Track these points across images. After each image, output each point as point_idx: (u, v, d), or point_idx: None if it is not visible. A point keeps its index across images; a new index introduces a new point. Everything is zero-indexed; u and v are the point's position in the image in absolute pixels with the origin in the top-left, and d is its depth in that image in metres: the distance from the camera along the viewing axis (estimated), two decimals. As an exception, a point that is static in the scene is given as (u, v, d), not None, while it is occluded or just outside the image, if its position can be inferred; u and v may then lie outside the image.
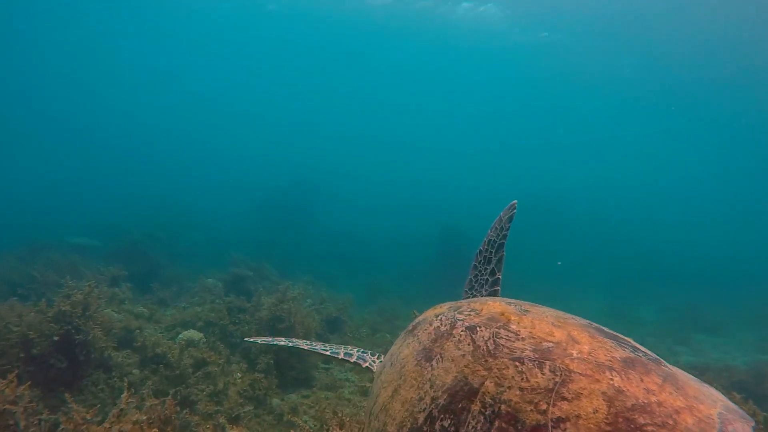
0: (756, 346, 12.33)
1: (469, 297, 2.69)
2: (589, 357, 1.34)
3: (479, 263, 2.70)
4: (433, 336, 1.72)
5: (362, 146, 60.24)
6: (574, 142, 50.41)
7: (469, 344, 1.55)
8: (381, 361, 2.44)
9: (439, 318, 1.82)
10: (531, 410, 1.25)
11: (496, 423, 1.29)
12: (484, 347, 1.50)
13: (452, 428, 1.38)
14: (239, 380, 6.09)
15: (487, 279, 2.65)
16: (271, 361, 6.95)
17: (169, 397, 4.34)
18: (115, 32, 36.90)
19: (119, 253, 13.21)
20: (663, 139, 42.86)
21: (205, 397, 5.61)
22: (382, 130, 57.47)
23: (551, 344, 1.41)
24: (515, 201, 2.69)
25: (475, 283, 2.70)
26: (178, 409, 4.28)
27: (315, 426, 5.78)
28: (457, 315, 1.75)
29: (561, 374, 1.29)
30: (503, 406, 1.30)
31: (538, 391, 1.28)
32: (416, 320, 2.03)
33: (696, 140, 41.32)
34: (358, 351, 2.59)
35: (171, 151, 58.17)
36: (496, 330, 1.54)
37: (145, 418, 3.83)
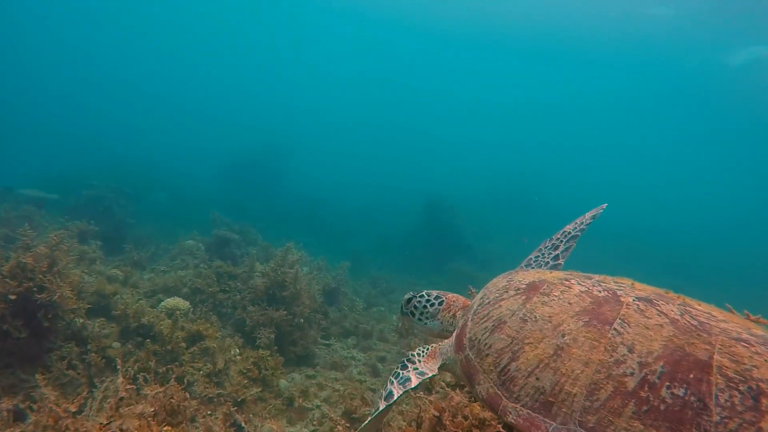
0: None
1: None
2: None
3: (545, 247, 2.77)
4: (590, 300, 1.71)
5: (337, 114, 58.19)
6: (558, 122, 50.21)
7: (659, 315, 1.56)
8: (421, 350, 2.29)
9: (578, 283, 1.84)
10: None
11: (763, 400, 1.27)
12: (685, 321, 1.51)
13: (691, 397, 1.34)
14: (238, 358, 5.24)
15: (547, 262, 2.71)
16: (272, 336, 6.13)
17: (173, 382, 3.47)
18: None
19: (80, 208, 11.77)
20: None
21: (203, 377, 4.75)
22: (358, 100, 55.71)
23: (759, 332, 1.48)
24: (605, 204, 2.81)
25: (534, 263, 2.74)
26: (188, 395, 3.41)
27: (330, 411, 5.05)
28: (608, 285, 1.79)
29: None
30: (762, 385, 1.30)
31: None
32: (529, 280, 1.99)
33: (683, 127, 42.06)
34: (398, 377, 2.15)
35: (133, 105, 54.28)
36: (684, 308, 1.58)
37: (151, 410, 2.95)
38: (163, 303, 6.29)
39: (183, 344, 4.85)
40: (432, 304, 2.54)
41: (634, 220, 34.34)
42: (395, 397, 2.04)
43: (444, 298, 2.55)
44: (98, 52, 49.17)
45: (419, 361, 2.24)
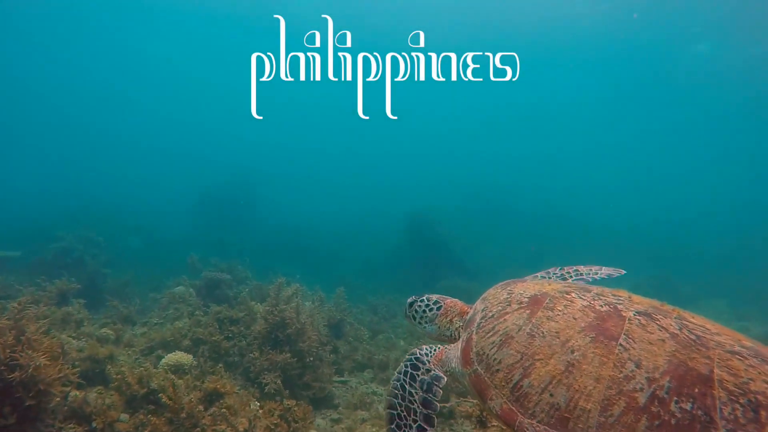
0: (733, 314, 12.76)
1: None
2: None
3: (554, 273, 2.83)
4: (594, 315, 1.75)
5: (304, 141, 57.44)
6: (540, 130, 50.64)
7: (660, 330, 1.62)
8: (428, 349, 2.34)
9: (579, 297, 1.88)
10: None
11: (762, 413, 1.34)
12: (684, 336, 1.59)
13: (699, 411, 1.39)
14: (260, 412, 4.75)
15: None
16: (278, 381, 5.67)
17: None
18: (29, 22, 32.22)
19: (47, 263, 10.92)
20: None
21: (228, 441, 4.25)
22: (325, 125, 55.27)
23: (748, 343, 1.57)
24: (624, 271, 2.82)
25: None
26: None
27: None
28: (608, 299, 1.83)
29: None
30: (760, 398, 1.36)
31: None
32: (531, 293, 2.02)
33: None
34: (425, 374, 2.21)
35: (89, 147, 52.02)
36: (681, 322, 1.66)
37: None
38: (164, 360, 5.73)
39: (200, 406, 4.34)
40: (431, 309, 2.62)
41: (617, 215, 35.24)
42: (431, 408, 2.11)
43: (442, 303, 2.62)
44: (46, 89, 46.85)
45: (428, 362, 2.27)
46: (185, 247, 18.30)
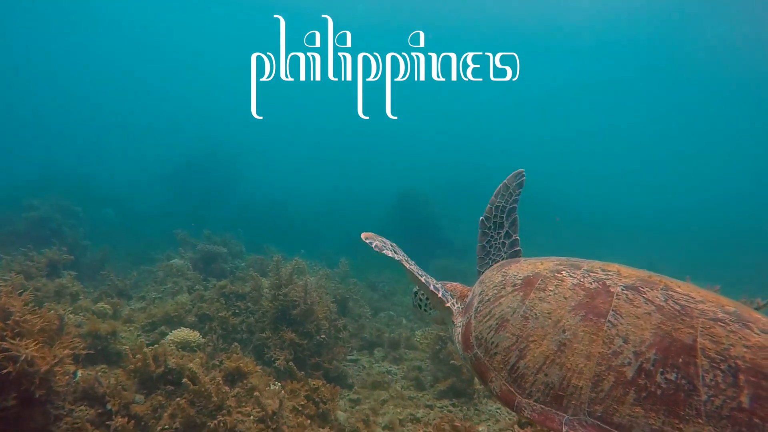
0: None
1: (487, 262, 2.77)
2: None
3: (489, 229, 2.78)
4: (583, 293, 1.81)
5: (283, 113, 55.77)
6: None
7: (646, 303, 1.68)
8: (458, 307, 2.41)
9: (569, 275, 1.92)
10: None
11: (740, 376, 1.42)
12: (669, 307, 1.64)
13: (682, 380, 1.47)
14: (283, 393, 4.45)
15: (503, 242, 2.77)
16: (290, 359, 5.39)
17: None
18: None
19: (21, 234, 10.14)
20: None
21: (256, 424, 3.96)
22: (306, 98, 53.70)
23: (731, 308, 1.62)
24: (522, 169, 2.76)
25: (491, 248, 2.79)
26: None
27: None
28: (597, 275, 1.87)
29: None
30: (739, 362, 1.44)
31: (767, 349, 1.46)
32: (524, 275, 2.06)
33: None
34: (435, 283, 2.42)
35: (55, 111, 48.97)
36: (667, 293, 1.70)
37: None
38: (169, 337, 5.36)
39: (226, 387, 4.01)
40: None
41: (602, 203, 35.75)
42: (436, 293, 2.32)
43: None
44: (14, 51, 43.74)
45: (455, 305, 2.43)
46: (164, 220, 17.56)
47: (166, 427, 3.74)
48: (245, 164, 31.86)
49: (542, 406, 1.73)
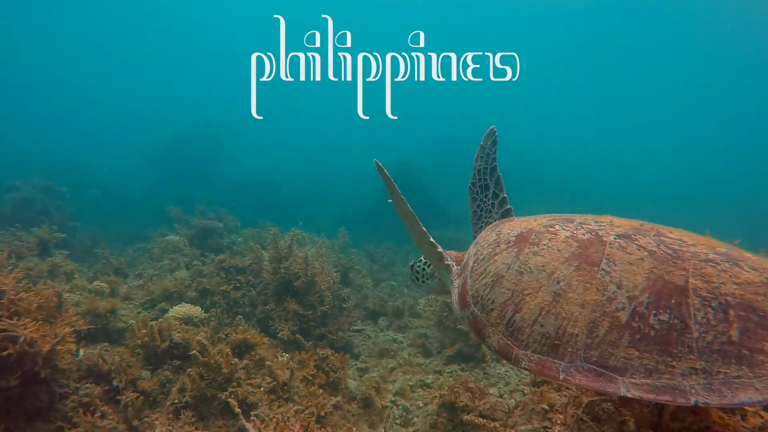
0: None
1: (480, 226, 2.77)
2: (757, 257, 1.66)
3: (477, 194, 2.82)
4: (576, 245, 1.82)
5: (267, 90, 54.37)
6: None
7: (639, 249, 1.71)
8: (457, 269, 2.39)
9: (562, 228, 1.93)
10: (762, 299, 1.48)
11: (730, 312, 1.47)
12: (661, 252, 1.67)
13: (675, 320, 1.51)
14: (292, 363, 4.37)
15: (492, 203, 2.79)
16: (295, 330, 5.31)
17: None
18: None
19: (4, 217, 9.81)
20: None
21: (266, 395, 3.88)
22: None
23: (723, 249, 1.67)
24: (493, 126, 2.78)
25: (482, 211, 2.81)
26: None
27: (425, 405, 4.42)
28: (590, 227, 1.89)
29: (763, 271, 1.55)
30: (729, 299, 1.50)
31: (756, 284, 1.52)
32: (517, 231, 2.08)
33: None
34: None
35: (35, 92, 47.26)
36: (659, 239, 1.74)
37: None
38: (171, 312, 5.22)
39: (235, 360, 3.91)
40: (428, 264, 2.69)
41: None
42: (437, 249, 2.29)
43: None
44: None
45: (453, 269, 2.42)
46: (152, 200, 17.20)
47: (176, 401, 3.65)
48: (233, 144, 31.28)
49: (539, 356, 1.76)
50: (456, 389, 3.87)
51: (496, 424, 3.39)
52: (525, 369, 1.79)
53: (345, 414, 4.14)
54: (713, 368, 1.46)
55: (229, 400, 3.56)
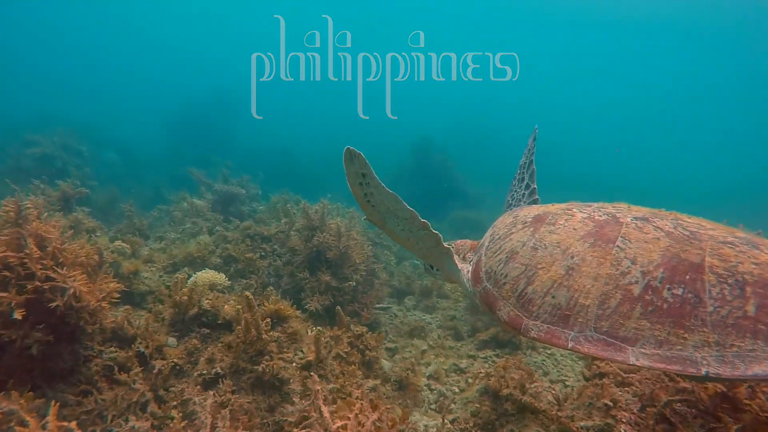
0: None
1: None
2: None
3: (514, 185, 2.98)
4: (593, 224, 1.86)
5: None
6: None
7: (656, 230, 1.73)
8: (473, 258, 2.45)
9: (579, 211, 1.99)
10: None
11: (747, 289, 1.48)
12: (679, 233, 1.70)
13: (689, 295, 1.53)
14: (323, 338, 4.11)
15: (523, 193, 2.91)
16: (326, 304, 5.02)
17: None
18: None
19: (26, 171, 9.63)
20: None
21: (299, 371, 3.63)
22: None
23: (742, 235, 1.68)
24: (536, 126, 3.05)
25: (513, 200, 2.95)
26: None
27: (462, 389, 4.17)
28: (607, 210, 1.94)
29: None
30: (746, 277, 1.50)
31: None
32: (535, 213, 2.13)
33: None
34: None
35: (51, 54, 46.97)
36: (677, 221, 1.77)
37: None
38: (193, 278, 4.97)
39: (266, 330, 3.65)
40: None
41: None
42: (442, 242, 2.29)
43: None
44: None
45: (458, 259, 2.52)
46: (167, 163, 16.98)
47: (204, 372, 3.41)
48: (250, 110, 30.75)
49: (548, 326, 1.77)
50: (507, 366, 3.60)
51: (558, 412, 3.12)
52: (533, 338, 1.81)
53: (380, 396, 3.89)
54: (727, 341, 1.46)
55: (265, 373, 3.32)
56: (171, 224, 6.96)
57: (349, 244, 5.38)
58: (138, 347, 3.38)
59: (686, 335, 1.51)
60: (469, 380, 4.48)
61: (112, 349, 3.35)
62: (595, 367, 3.52)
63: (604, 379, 3.29)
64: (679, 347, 1.51)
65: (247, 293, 3.37)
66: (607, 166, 33.88)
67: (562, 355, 5.10)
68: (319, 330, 4.32)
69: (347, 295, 5.22)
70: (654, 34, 38.73)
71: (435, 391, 4.29)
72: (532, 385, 3.52)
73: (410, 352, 4.93)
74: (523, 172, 2.96)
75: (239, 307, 3.50)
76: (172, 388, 3.36)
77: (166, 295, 3.70)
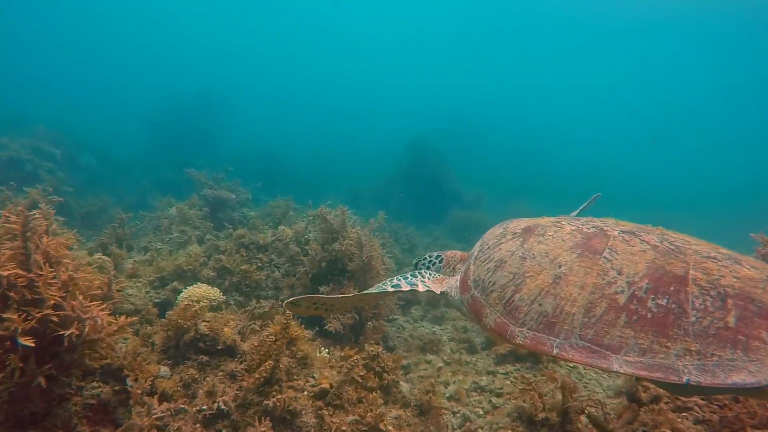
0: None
1: None
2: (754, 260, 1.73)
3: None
4: (581, 236, 1.92)
5: (271, 60, 52.55)
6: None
7: (642, 243, 1.80)
8: (433, 275, 2.75)
9: (568, 224, 2.05)
10: (761, 292, 1.53)
11: (728, 301, 1.53)
12: (664, 246, 1.76)
13: (673, 305, 1.57)
14: (342, 362, 3.67)
15: None
16: (353, 322, 4.56)
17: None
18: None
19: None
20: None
21: (310, 401, 3.19)
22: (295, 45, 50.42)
23: (725, 251, 1.76)
24: (599, 194, 3.46)
25: None
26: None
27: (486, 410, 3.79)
28: (595, 223, 2.01)
29: (763, 270, 1.63)
30: (728, 290, 1.56)
31: (756, 280, 1.58)
32: (524, 225, 2.19)
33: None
34: (405, 278, 2.73)
35: (25, 52, 45.32)
36: (663, 236, 1.84)
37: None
38: (184, 294, 4.48)
39: (274, 355, 3.19)
40: (434, 263, 2.87)
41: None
42: (402, 289, 2.62)
43: (443, 256, 2.88)
44: None
45: (428, 279, 2.70)
46: (147, 168, 16.26)
47: (204, 408, 2.94)
48: (234, 113, 30.06)
49: (534, 332, 1.79)
50: (533, 393, 3.22)
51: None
52: (519, 345, 1.83)
53: (401, 424, 3.47)
54: (708, 350, 1.49)
55: (276, 408, 2.87)
56: (156, 233, 6.42)
57: (372, 255, 4.92)
58: (125, 380, 2.90)
59: (669, 344, 1.54)
60: (492, 400, 4.11)
61: (95, 384, 2.86)
62: (642, 387, 3.17)
63: (660, 403, 2.94)
64: (662, 356, 1.53)
65: (280, 316, 2.98)
66: (607, 168, 33.93)
67: (585, 369, 4.75)
68: (327, 351, 3.90)
69: (371, 311, 4.78)
70: (654, 35, 39.18)
71: (458, 415, 3.89)
72: (574, 405, 3.14)
73: (425, 370, 4.53)
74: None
75: (216, 326, 3.06)
76: (168, 427, 2.89)
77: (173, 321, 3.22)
